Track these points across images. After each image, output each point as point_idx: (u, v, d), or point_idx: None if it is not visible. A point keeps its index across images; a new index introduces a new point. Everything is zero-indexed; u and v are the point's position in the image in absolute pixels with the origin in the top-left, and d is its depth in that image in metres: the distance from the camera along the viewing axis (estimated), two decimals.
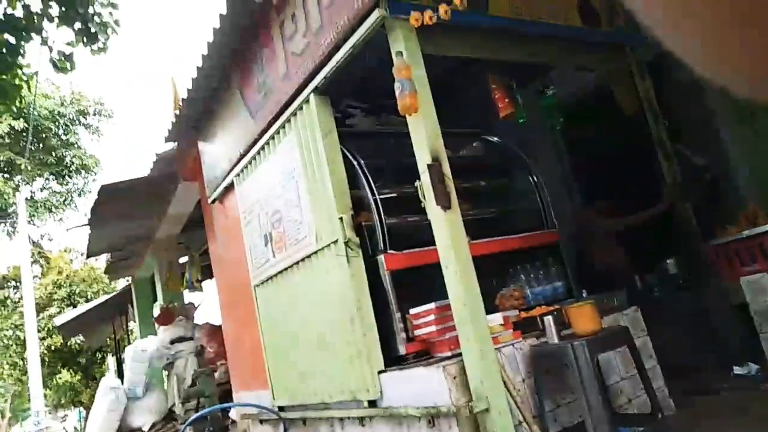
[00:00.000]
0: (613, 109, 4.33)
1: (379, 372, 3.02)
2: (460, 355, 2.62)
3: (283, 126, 3.71)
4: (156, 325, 7.40)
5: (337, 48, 3.04)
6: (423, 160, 2.71)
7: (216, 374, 6.28)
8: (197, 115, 5.00)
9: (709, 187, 4.70)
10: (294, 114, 3.56)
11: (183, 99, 4.72)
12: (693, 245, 3.94)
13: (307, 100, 3.40)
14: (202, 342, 6.61)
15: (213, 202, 5.18)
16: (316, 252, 3.42)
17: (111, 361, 15.53)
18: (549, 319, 2.81)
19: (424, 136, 2.70)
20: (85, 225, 6.57)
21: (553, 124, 3.90)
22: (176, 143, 5.45)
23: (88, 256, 8.07)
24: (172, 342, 6.58)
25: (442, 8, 2.47)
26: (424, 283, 3.06)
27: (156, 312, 7.43)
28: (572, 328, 2.81)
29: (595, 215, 4.59)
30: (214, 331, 6.48)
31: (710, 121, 4.82)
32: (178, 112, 4.97)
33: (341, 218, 3.12)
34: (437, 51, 3.04)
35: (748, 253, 3.59)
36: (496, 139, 4.30)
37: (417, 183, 2.75)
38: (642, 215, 4.20)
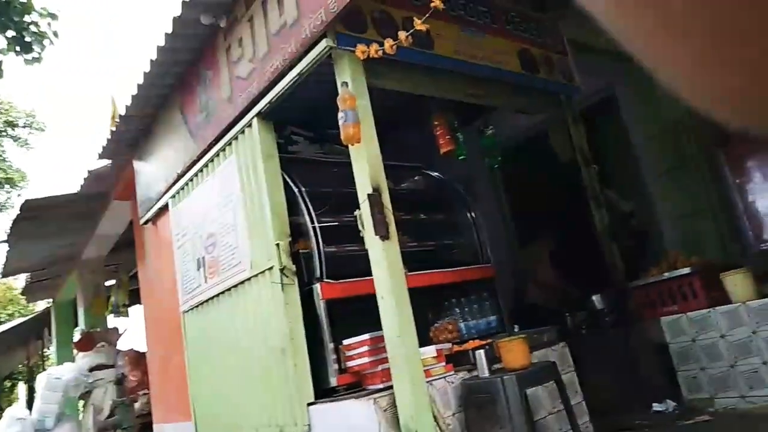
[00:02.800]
0: (549, 152, 4.53)
1: (309, 404, 2.94)
2: (391, 387, 2.60)
3: (223, 149, 3.65)
4: (75, 351, 6.93)
5: (282, 75, 3.04)
6: (363, 189, 2.73)
7: (137, 404, 5.92)
8: (135, 133, 4.84)
9: (634, 232, 4.96)
10: (235, 137, 3.51)
11: (121, 116, 4.57)
12: (619, 286, 4.12)
13: (249, 124, 3.37)
14: (125, 370, 6.23)
15: (145, 223, 4.98)
16: (250, 279, 3.33)
17: (22, 389, 14.37)
18: (481, 353, 2.84)
19: (366, 166, 2.72)
20: (3, 242, 6.15)
21: (492, 163, 4.03)
22: (110, 161, 5.24)
23: (3, 276, 7.52)
24: (92, 369, 6.17)
25: (388, 43, 2.53)
26: (361, 314, 3.03)
27: (76, 337, 6.98)
28: (503, 362, 2.85)
29: (534, 257, 4.74)
30: (138, 359, 6.14)
31: (638, 171, 5.13)
32: (114, 128, 4.80)
33: (278, 245, 3.07)
34: (383, 84, 3.10)
35: (668, 294, 3.78)
36: (436, 174, 4.39)
37: (356, 212, 2.75)
38: (569, 290, 4.40)
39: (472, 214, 4.13)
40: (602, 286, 4.30)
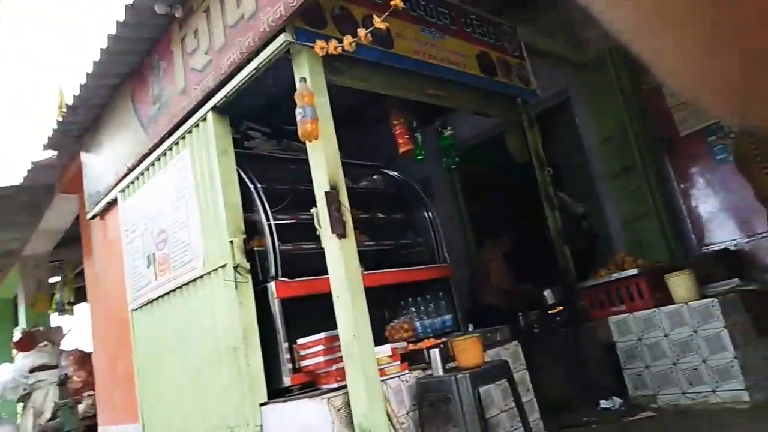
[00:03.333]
0: (505, 154, 4.61)
1: (261, 404, 2.89)
2: (346, 386, 2.58)
3: (176, 142, 3.54)
4: (14, 351, 6.60)
5: (239, 68, 2.98)
6: (321, 187, 2.70)
7: (81, 406, 5.69)
8: (83, 124, 4.65)
9: (586, 234, 5.11)
10: (189, 131, 3.42)
11: (68, 105, 4.38)
12: (570, 286, 4.23)
13: (204, 118, 3.28)
14: (69, 370, 5.98)
15: (93, 217, 4.79)
16: (202, 276, 3.25)
17: None
18: (435, 352, 2.86)
19: (323, 163, 2.69)
20: None
21: (449, 164, 4.07)
22: (56, 152, 5.02)
23: None
24: (32, 370, 5.89)
25: (347, 40, 2.51)
26: (316, 313, 3.01)
27: (16, 336, 6.64)
28: (457, 361, 2.87)
29: (489, 257, 4.80)
30: (84, 359, 5.90)
31: (590, 175, 5.29)
32: (61, 118, 4.59)
33: (231, 242, 3.00)
34: (342, 81, 3.07)
35: (616, 295, 3.90)
36: (395, 173, 4.40)
37: (313, 210, 2.72)
38: (523, 291, 4.48)
39: (430, 213, 4.15)
40: (554, 287, 4.41)
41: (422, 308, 3.71)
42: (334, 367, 2.80)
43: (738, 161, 3.68)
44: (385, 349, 2.91)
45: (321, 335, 2.86)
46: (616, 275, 3.89)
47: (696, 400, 3.39)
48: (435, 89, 3.55)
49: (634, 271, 3.80)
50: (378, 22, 2.39)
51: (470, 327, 3.73)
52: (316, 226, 2.70)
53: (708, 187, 4.54)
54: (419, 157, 3.70)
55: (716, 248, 4.37)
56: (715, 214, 4.51)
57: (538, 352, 3.98)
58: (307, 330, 2.96)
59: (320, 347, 2.86)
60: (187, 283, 3.39)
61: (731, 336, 3.28)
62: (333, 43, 2.58)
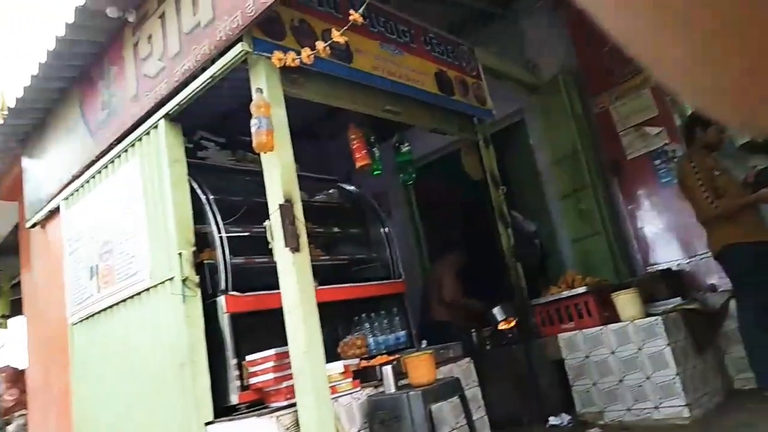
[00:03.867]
0: (461, 172, 4.67)
1: (207, 423, 2.78)
2: (295, 404, 2.52)
3: (126, 150, 3.42)
4: None
5: (194, 76, 2.91)
6: (275, 199, 2.65)
7: (11, 428, 5.35)
8: (25, 128, 4.44)
9: (538, 251, 5.21)
10: (140, 139, 3.31)
11: (10, 108, 4.17)
12: (521, 303, 4.29)
13: (156, 126, 3.19)
14: (0, 388, 5.62)
15: (33, 226, 4.56)
16: (148, 289, 3.13)
17: None
18: (387, 369, 2.83)
19: (278, 175, 2.65)
20: None
21: (406, 180, 4.08)
22: None
23: None
24: None
25: (305, 52, 2.50)
26: (268, 329, 2.93)
27: None
28: (409, 378, 2.86)
29: (442, 274, 4.82)
30: (16, 376, 5.56)
31: (542, 194, 5.42)
32: (1, 122, 4.37)
33: (180, 254, 2.90)
34: (299, 94, 3.05)
35: (565, 312, 3.98)
36: (352, 188, 4.39)
37: (266, 223, 2.67)
38: (474, 306, 4.52)
39: (386, 229, 4.15)
40: (504, 304, 4.46)
41: (376, 324, 3.68)
42: (284, 384, 2.73)
43: (681, 185, 3.85)
44: (337, 366, 2.86)
45: (271, 351, 2.79)
46: (566, 293, 3.97)
47: (640, 417, 3.48)
48: (393, 105, 3.56)
49: (582, 289, 3.89)
50: (336, 36, 2.38)
51: (424, 343, 3.72)
52: (269, 239, 2.64)
53: (653, 209, 4.72)
54: (376, 172, 3.70)
55: (660, 268, 4.53)
56: (660, 235, 4.68)
57: (490, 369, 4.01)
58: (258, 346, 2.88)
59: (270, 364, 2.79)
60: (131, 297, 3.25)
61: (673, 353, 3.39)
62: (291, 54, 2.55)
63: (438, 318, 4.67)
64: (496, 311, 4.44)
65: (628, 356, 3.56)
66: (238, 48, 2.66)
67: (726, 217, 3.56)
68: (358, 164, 3.55)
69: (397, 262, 4.04)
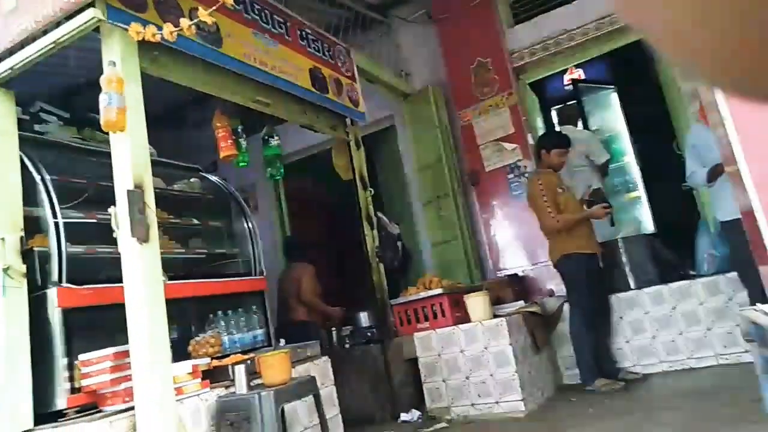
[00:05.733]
0: (331, 171, 4.67)
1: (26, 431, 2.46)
2: (134, 408, 2.32)
3: None
4: None
5: (33, 39, 2.57)
6: (122, 185, 2.42)
7: None
8: None
9: (400, 253, 5.38)
10: None
11: None
12: (381, 303, 4.39)
13: None
14: None
15: None
16: None
17: None
18: (240, 369, 2.72)
19: (128, 158, 2.43)
20: None
21: (273, 174, 3.98)
22: None
23: None
24: None
25: (168, 28, 2.32)
26: (112, 326, 2.67)
27: None
28: (263, 377, 2.77)
29: (300, 275, 4.75)
30: None
31: (407, 198, 5.61)
32: None
33: (3, 239, 2.54)
34: (161, 74, 2.83)
35: (422, 312, 4.15)
36: (216, 178, 4.18)
37: (111, 209, 2.43)
38: (330, 311, 4.53)
39: (250, 223, 4.01)
40: (367, 304, 4.54)
41: (232, 322, 3.54)
42: (122, 386, 2.50)
43: (528, 199, 4.22)
44: (185, 366, 2.69)
45: (109, 351, 2.55)
46: (423, 294, 4.14)
47: (482, 411, 3.72)
48: (264, 97, 3.46)
49: (438, 291, 4.08)
50: (203, 15, 2.24)
51: (282, 342, 3.65)
52: (114, 227, 2.41)
53: (504, 219, 5.10)
54: (242, 164, 3.55)
55: (508, 273, 4.91)
56: (509, 243, 5.07)
57: (348, 368, 4.05)
58: (99, 345, 2.62)
59: (107, 364, 2.54)
60: None
61: (514, 352, 3.68)
62: (151, 29, 2.36)
63: (298, 318, 4.62)
64: (363, 316, 4.51)
65: (475, 354, 3.79)
66: (89, 14, 2.40)
67: (565, 230, 3.96)
68: (223, 154, 3.39)
69: (259, 258, 3.93)
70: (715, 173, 3.53)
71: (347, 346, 4.41)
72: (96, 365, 2.56)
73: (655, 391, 3.71)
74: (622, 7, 0.25)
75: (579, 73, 6.12)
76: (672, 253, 4.60)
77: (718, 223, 3.86)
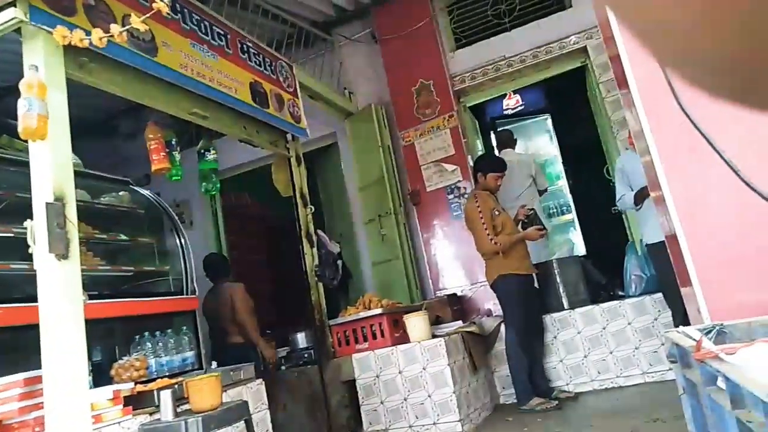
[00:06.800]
0: (271, 188, 4.57)
1: None
2: None
3: None
4: None
5: None
6: (41, 197, 2.26)
7: None
8: None
9: (340, 272, 5.31)
10: None
11: None
12: (320, 323, 4.30)
13: None
14: None
15: None
16: None
17: None
18: (166, 393, 2.56)
19: (49, 169, 2.27)
20: None
21: (208, 189, 3.85)
22: None
23: None
24: None
25: (97, 34, 2.20)
26: (24, 349, 2.47)
27: None
28: (191, 403, 2.63)
29: (232, 295, 4.55)
30: None
31: (349, 217, 5.57)
32: None
33: None
34: (91, 81, 2.69)
35: (360, 332, 4.09)
36: (147, 193, 4.00)
37: (28, 223, 2.26)
38: (262, 345, 4.34)
39: (182, 240, 3.85)
40: (306, 323, 4.44)
41: (160, 344, 3.36)
42: (33, 414, 2.30)
43: (466, 220, 4.28)
44: (105, 392, 2.51)
45: (20, 376, 2.35)
46: (362, 314, 4.09)
47: None
48: (201, 109, 3.35)
49: (378, 311, 4.04)
50: (135, 21, 2.15)
51: (213, 365, 3.50)
52: (30, 242, 2.24)
53: (444, 239, 5.15)
54: (174, 178, 3.41)
55: (447, 293, 4.94)
56: (449, 263, 5.12)
57: (284, 391, 3.92)
58: (12, 370, 2.40)
59: (17, 391, 2.34)
60: None
61: (452, 372, 3.68)
62: (79, 33, 2.23)
63: (233, 340, 4.44)
64: (300, 337, 4.40)
65: (413, 375, 3.77)
66: (10, 14, 2.25)
67: (501, 251, 4.03)
68: (155, 167, 3.25)
69: (191, 276, 3.77)
70: (641, 196, 3.71)
71: (283, 368, 4.29)
72: (3, 393, 2.35)
73: (586, 410, 3.80)
74: (623, 8, 0.25)
75: (517, 99, 6.33)
76: (602, 275, 4.78)
77: (644, 246, 4.05)
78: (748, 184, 0.95)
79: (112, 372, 3.03)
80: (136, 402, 2.73)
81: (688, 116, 1.12)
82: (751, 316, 1.40)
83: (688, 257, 1.80)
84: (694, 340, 1.18)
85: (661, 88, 1.26)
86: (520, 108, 6.27)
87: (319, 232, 4.56)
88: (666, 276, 3.28)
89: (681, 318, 3.36)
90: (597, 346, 4.29)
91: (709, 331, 1.31)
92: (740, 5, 0.21)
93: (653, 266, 4.06)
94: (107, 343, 3.37)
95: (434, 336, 3.91)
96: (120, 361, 3.05)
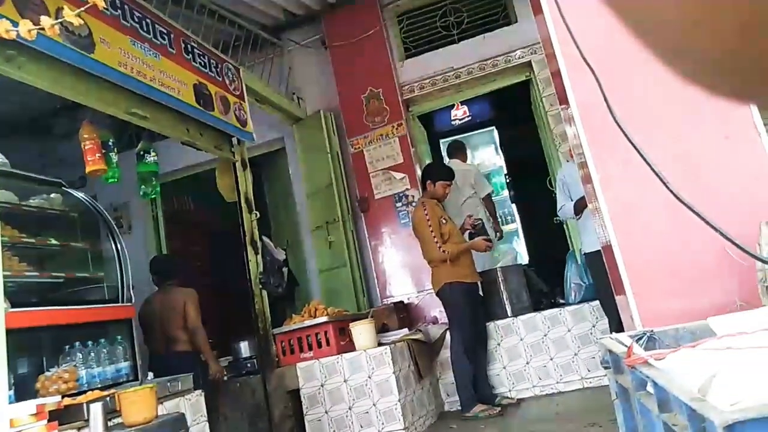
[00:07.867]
0: (215, 192, 4.45)
1: None
2: None
3: None
4: None
5: None
6: None
7: None
8: None
9: (286, 279, 5.22)
10: None
11: None
12: (263, 331, 4.21)
13: None
14: None
15: None
16: None
17: None
18: (96, 407, 2.43)
19: None
20: None
21: (147, 193, 3.70)
22: None
23: None
24: None
25: (25, 25, 2.08)
26: None
27: None
28: (123, 416, 2.50)
29: (183, 301, 4.38)
30: None
31: (296, 224, 5.50)
32: None
33: None
34: (18, 76, 2.54)
35: (306, 341, 4.03)
36: (82, 195, 3.80)
37: None
38: (211, 360, 4.17)
39: (118, 245, 3.68)
40: (249, 332, 4.32)
41: (92, 354, 3.19)
42: None
43: (414, 228, 4.30)
44: (28, 406, 2.35)
45: None
46: (307, 322, 4.03)
47: None
48: (140, 109, 3.22)
49: (323, 319, 3.99)
50: (69, 15, 2.04)
51: (150, 376, 3.35)
52: None
53: (392, 246, 5.16)
54: (111, 180, 3.26)
55: (394, 300, 4.94)
56: (396, 270, 5.13)
57: (225, 401, 3.80)
58: None
59: None
60: None
61: (397, 381, 3.68)
62: (5, 24, 2.09)
63: (180, 348, 4.26)
64: (243, 346, 4.28)
65: (359, 384, 3.74)
66: None
67: (450, 259, 4.07)
68: (89, 168, 3.10)
69: (127, 283, 3.60)
70: (580, 206, 3.83)
71: (225, 378, 4.16)
72: None
73: (528, 415, 3.88)
74: (620, 8, 0.25)
75: (464, 110, 6.45)
76: (544, 283, 4.91)
77: (583, 255, 4.19)
78: (677, 197, 0.99)
79: (38, 385, 2.84)
80: (63, 416, 2.57)
81: (622, 130, 1.16)
82: (679, 323, 1.46)
83: (622, 266, 1.87)
84: (626, 346, 1.21)
85: (598, 103, 1.30)
86: (467, 119, 6.39)
87: (264, 238, 4.47)
88: (602, 284, 3.41)
89: (616, 325, 3.48)
90: (538, 352, 4.39)
91: (640, 338, 1.35)
92: (739, 4, 0.21)
93: (591, 275, 4.20)
94: (34, 354, 3.17)
95: (380, 344, 3.89)
96: (47, 373, 2.88)
